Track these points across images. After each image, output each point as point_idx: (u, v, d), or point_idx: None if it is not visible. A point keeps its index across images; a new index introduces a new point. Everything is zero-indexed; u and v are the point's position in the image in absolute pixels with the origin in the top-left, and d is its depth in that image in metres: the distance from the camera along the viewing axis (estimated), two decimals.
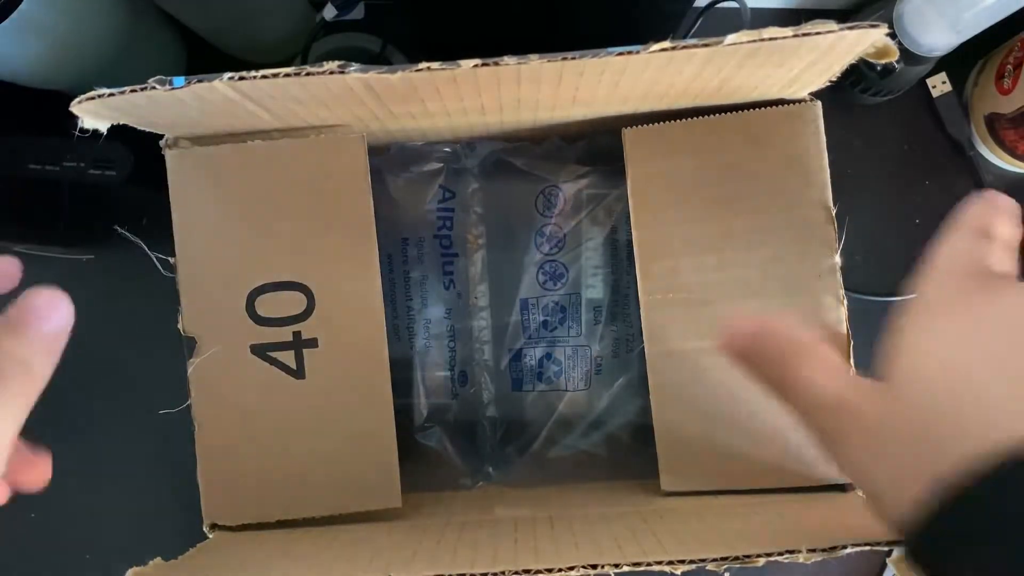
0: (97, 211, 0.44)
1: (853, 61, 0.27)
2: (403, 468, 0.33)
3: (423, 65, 0.25)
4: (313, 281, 0.33)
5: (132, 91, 0.26)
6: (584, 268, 0.40)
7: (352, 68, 0.25)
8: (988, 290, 0.20)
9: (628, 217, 0.34)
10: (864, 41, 0.25)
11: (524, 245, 0.40)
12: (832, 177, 0.33)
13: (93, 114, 0.27)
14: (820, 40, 0.25)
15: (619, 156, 0.34)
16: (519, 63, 0.25)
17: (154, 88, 0.26)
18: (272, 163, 0.33)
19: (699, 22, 0.40)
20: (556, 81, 0.27)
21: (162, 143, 0.33)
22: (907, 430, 0.18)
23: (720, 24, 0.40)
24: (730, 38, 0.24)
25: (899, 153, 0.47)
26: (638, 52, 0.25)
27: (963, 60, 0.46)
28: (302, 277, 0.33)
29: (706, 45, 0.25)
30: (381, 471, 0.33)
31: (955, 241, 0.22)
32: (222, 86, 0.26)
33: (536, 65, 0.25)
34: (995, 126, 0.45)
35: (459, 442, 0.40)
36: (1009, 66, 0.43)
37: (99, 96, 0.26)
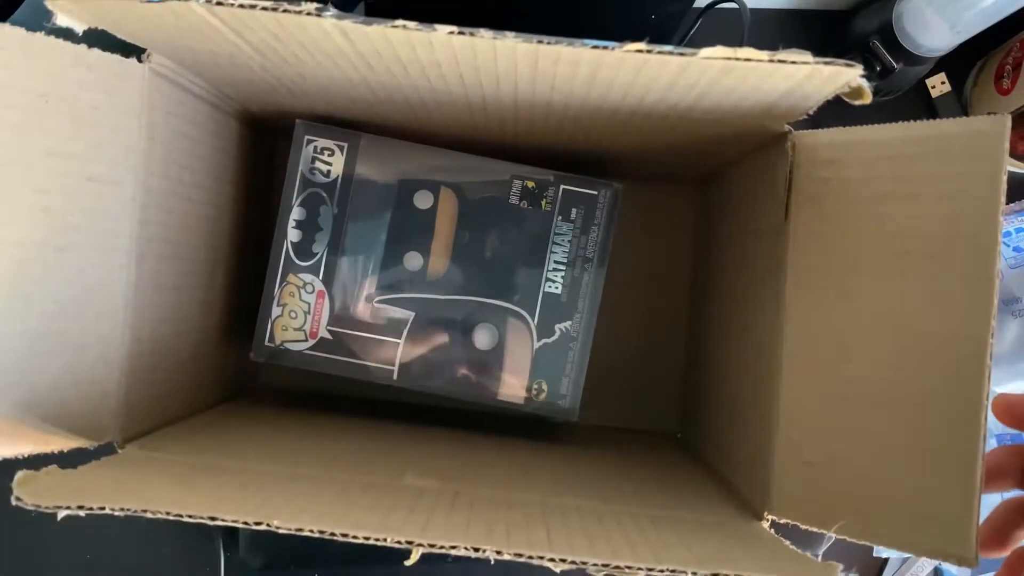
0: None
1: (828, 98, 0.27)
2: None
3: (399, 22, 0.25)
4: None
5: None
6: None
7: (329, 12, 0.25)
8: None
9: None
10: (838, 79, 0.25)
11: None
12: None
13: (68, 12, 0.27)
14: (795, 69, 0.25)
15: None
16: (495, 38, 0.25)
17: None
18: None
19: (699, 22, 0.40)
20: (532, 64, 0.27)
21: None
22: None
23: (720, 24, 0.40)
24: (704, 51, 0.24)
25: None
26: (612, 49, 0.25)
27: (963, 60, 0.46)
28: None
29: (681, 54, 0.24)
30: None
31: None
32: (199, 8, 0.26)
33: (511, 43, 0.25)
34: None
35: None
36: (1008, 66, 0.43)
37: None
